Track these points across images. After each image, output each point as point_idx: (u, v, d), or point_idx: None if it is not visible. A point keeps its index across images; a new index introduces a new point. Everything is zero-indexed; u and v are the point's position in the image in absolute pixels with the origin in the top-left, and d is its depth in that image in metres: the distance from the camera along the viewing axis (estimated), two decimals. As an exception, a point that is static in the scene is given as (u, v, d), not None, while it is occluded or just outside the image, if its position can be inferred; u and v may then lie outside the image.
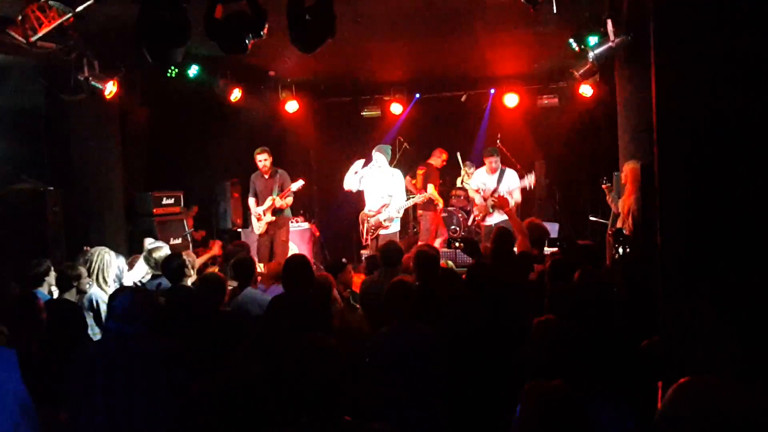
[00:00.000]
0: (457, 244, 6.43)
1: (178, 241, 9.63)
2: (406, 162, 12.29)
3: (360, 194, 9.82)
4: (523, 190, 10.04)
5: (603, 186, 8.59)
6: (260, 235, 9.72)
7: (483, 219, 9.99)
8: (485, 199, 9.88)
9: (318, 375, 2.57)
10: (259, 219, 9.67)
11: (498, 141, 10.83)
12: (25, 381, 3.51)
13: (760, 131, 2.46)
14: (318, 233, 12.05)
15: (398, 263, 5.80)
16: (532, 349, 3.24)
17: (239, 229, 11.13)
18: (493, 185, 9.85)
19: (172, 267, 5.77)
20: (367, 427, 2.71)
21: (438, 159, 11.00)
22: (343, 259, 6.77)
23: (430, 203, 10.40)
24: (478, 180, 10.13)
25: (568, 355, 3.07)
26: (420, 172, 10.94)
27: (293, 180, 9.75)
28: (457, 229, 11.24)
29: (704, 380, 1.78)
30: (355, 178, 9.59)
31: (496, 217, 9.75)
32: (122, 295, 3.62)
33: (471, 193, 10.25)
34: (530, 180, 9.87)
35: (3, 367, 3.57)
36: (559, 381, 2.56)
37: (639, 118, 7.68)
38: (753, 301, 2.09)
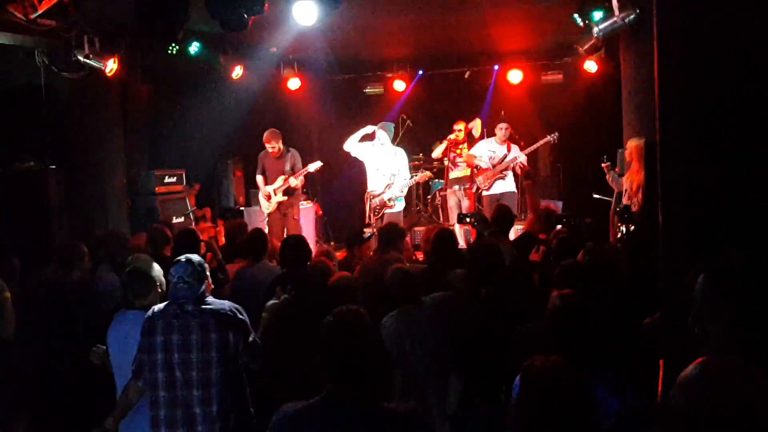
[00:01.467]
0: (468, 220, 6.32)
1: (181, 219, 9.64)
2: (410, 140, 12.25)
3: (363, 173, 9.78)
4: (530, 157, 10.28)
5: (603, 165, 8.55)
6: (270, 213, 9.62)
7: (489, 188, 10.00)
8: (494, 166, 9.91)
9: (351, 348, 2.65)
10: (268, 198, 9.52)
11: (503, 116, 10.77)
12: None
13: (762, 108, 2.43)
14: (321, 212, 12.03)
15: (396, 244, 5.79)
16: (548, 322, 3.19)
17: (242, 208, 11.13)
18: (503, 152, 9.95)
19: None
20: (391, 407, 2.71)
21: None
22: (365, 231, 6.69)
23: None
24: (485, 147, 10.15)
25: (586, 331, 3.06)
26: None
27: (306, 160, 9.61)
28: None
29: (725, 359, 1.77)
30: (357, 145, 9.55)
31: (501, 186, 9.90)
32: (179, 264, 3.89)
33: (469, 159, 10.21)
34: (554, 136, 10.02)
35: (133, 327, 4.01)
36: (558, 357, 2.54)
37: (643, 94, 7.61)
38: (754, 279, 2.07)
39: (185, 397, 3.74)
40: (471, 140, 10.70)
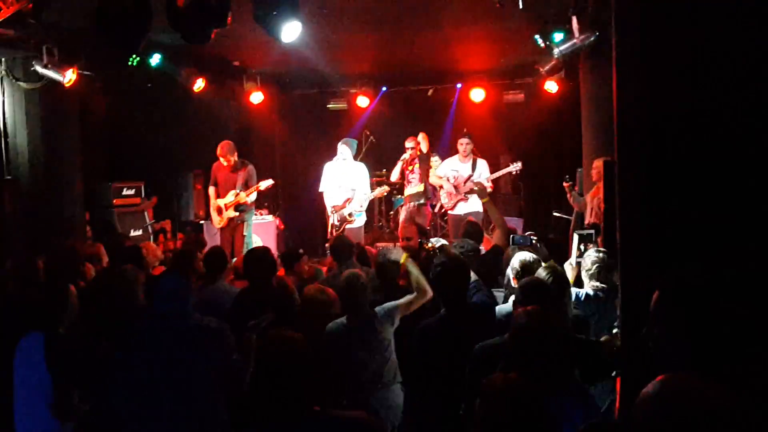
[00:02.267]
0: (429, 246, 6.13)
1: (139, 232, 9.51)
2: (372, 155, 12.28)
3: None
4: (496, 181, 10.18)
5: (564, 184, 8.64)
6: (221, 228, 9.48)
7: (453, 207, 9.88)
8: (456, 187, 9.80)
9: (282, 369, 2.63)
10: (219, 213, 9.40)
11: (466, 131, 10.84)
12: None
13: (720, 127, 2.49)
14: (282, 226, 11.97)
15: (350, 257, 5.90)
16: (514, 339, 3.19)
17: (201, 222, 11.02)
18: (468, 172, 9.79)
19: None
20: (338, 414, 2.73)
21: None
22: (300, 250, 6.71)
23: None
24: (448, 167, 10.02)
25: (553, 348, 3.07)
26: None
27: (261, 177, 9.43)
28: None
29: (684, 377, 1.79)
30: (324, 178, 9.64)
31: (467, 206, 9.73)
32: (166, 278, 3.89)
33: (435, 181, 10.17)
34: (517, 166, 9.88)
35: (33, 351, 3.80)
36: (516, 374, 2.55)
37: (602, 114, 7.74)
38: (711, 298, 2.10)
39: (162, 414, 3.58)
40: (421, 155, 10.67)
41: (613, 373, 3.32)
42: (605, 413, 3.26)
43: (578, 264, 5.07)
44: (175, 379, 3.54)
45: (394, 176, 10.84)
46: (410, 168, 10.57)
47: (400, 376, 4.55)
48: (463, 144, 9.90)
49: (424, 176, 10.43)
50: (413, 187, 10.57)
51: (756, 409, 1.76)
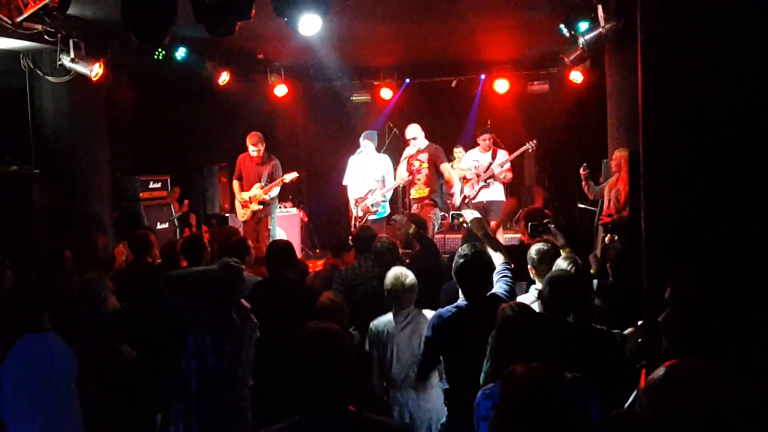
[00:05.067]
0: (461, 219, 5.91)
1: (165, 225, 9.60)
2: (396, 147, 12.27)
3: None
4: (515, 167, 10.17)
5: (581, 172, 8.55)
6: (245, 221, 9.49)
7: (475, 196, 9.86)
8: (478, 175, 9.83)
9: (326, 363, 2.49)
10: (244, 206, 9.43)
11: (488, 126, 10.81)
12: None
13: (745, 119, 2.46)
14: (306, 219, 12.01)
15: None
16: (501, 333, 3.20)
17: (227, 214, 11.09)
18: (488, 160, 9.85)
19: None
20: (375, 418, 2.65)
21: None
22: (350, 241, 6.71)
23: None
24: (470, 159, 10.13)
25: (536, 341, 3.06)
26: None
27: (285, 170, 9.43)
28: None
29: (692, 363, 1.79)
30: (348, 173, 9.62)
31: (489, 193, 9.83)
32: None
33: (460, 174, 10.01)
34: (532, 144, 9.88)
35: (46, 351, 3.84)
36: (540, 364, 2.53)
37: (628, 104, 7.67)
38: (734, 288, 2.09)
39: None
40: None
41: (638, 365, 3.30)
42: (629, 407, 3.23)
43: (603, 255, 5.04)
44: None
45: (402, 176, 9.67)
46: (416, 166, 9.57)
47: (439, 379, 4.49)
48: (486, 140, 9.95)
49: (431, 179, 9.53)
50: (419, 190, 9.66)
51: (758, 393, 1.76)
